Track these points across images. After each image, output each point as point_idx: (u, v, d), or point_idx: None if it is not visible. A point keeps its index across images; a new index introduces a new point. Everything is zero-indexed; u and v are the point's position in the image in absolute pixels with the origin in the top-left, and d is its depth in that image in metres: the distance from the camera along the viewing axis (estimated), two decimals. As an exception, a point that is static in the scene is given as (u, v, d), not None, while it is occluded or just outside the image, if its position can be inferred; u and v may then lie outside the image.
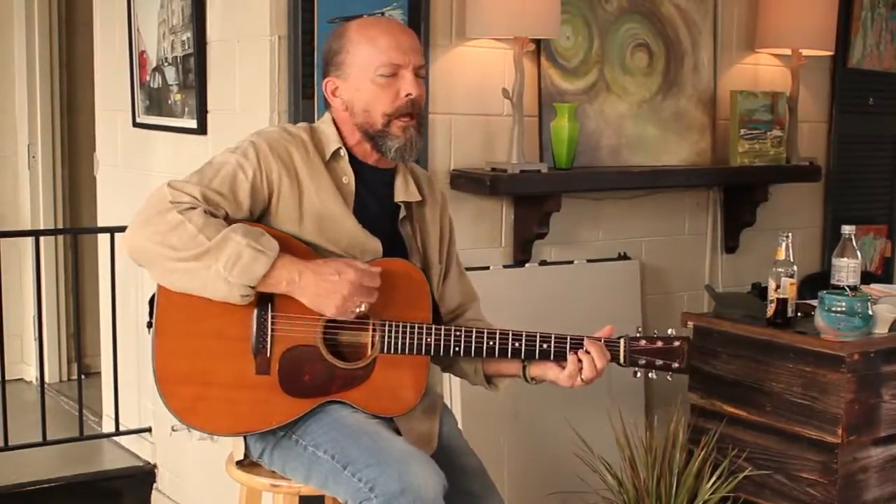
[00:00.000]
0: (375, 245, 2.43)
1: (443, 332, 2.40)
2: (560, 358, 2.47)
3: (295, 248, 2.35)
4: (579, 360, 2.44)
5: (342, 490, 2.28)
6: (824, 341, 3.23)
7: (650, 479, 3.35)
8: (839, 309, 3.20)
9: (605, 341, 2.48)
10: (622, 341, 2.50)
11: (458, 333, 2.41)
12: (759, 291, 3.63)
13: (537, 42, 3.61)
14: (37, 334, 4.23)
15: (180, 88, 3.73)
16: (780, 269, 3.31)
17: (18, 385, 5.37)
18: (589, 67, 3.80)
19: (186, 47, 3.65)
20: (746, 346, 3.43)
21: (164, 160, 3.91)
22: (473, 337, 2.42)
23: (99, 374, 4.55)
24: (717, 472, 3.34)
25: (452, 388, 3.51)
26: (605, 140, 3.84)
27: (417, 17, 3.42)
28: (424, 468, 2.23)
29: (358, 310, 2.30)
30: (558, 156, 3.62)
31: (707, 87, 4.10)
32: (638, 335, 2.52)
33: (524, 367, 2.54)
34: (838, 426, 3.21)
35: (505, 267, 3.69)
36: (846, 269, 3.29)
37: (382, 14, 3.34)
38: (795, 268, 3.33)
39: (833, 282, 3.30)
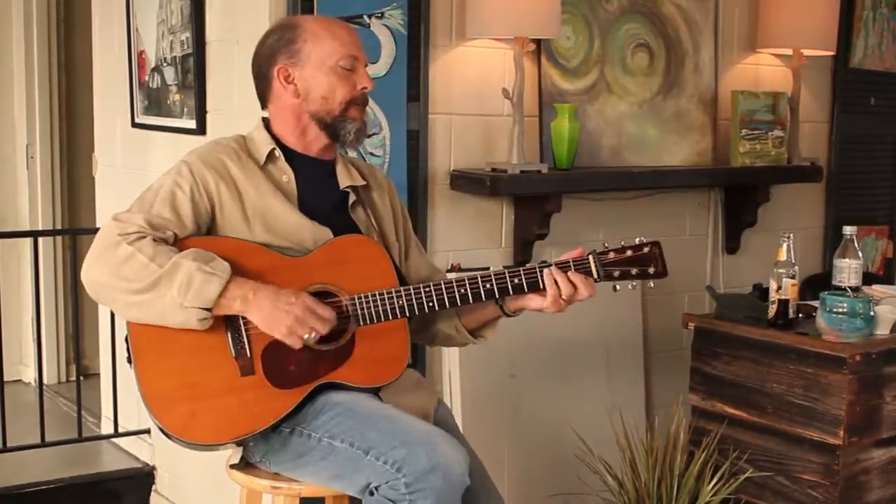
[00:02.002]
0: (325, 234, 2.46)
1: (412, 292, 2.42)
2: (534, 290, 2.48)
3: (251, 253, 2.37)
4: (556, 282, 2.46)
5: (363, 476, 2.29)
6: (826, 342, 3.23)
7: (651, 481, 3.34)
8: (841, 310, 3.19)
9: (573, 262, 2.49)
10: (591, 258, 2.50)
11: (427, 289, 2.42)
12: (761, 292, 3.62)
13: (537, 42, 3.60)
14: (35, 335, 4.21)
15: (179, 88, 3.73)
16: (781, 270, 3.31)
17: (17, 386, 5.37)
18: (589, 67, 3.80)
19: (185, 47, 3.64)
20: (748, 347, 3.42)
21: (163, 161, 3.87)
22: (444, 288, 2.43)
23: (97, 375, 4.55)
24: (718, 474, 3.32)
25: (452, 390, 3.50)
26: (605, 140, 3.83)
27: (417, 16, 3.42)
28: (450, 445, 2.26)
29: (307, 336, 2.31)
30: (559, 156, 3.61)
31: (708, 88, 4.09)
32: (605, 248, 2.52)
33: (500, 306, 2.55)
34: (840, 428, 3.20)
35: (505, 268, 3.66)
36: (848, 270, 3.28)
37: (382, 14, 3.35)
38: (797, 269, 3.33)
39: (834, 283, 3.29)
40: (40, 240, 4.18)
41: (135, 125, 4.07)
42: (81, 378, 4.29)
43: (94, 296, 2.35)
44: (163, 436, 2.36)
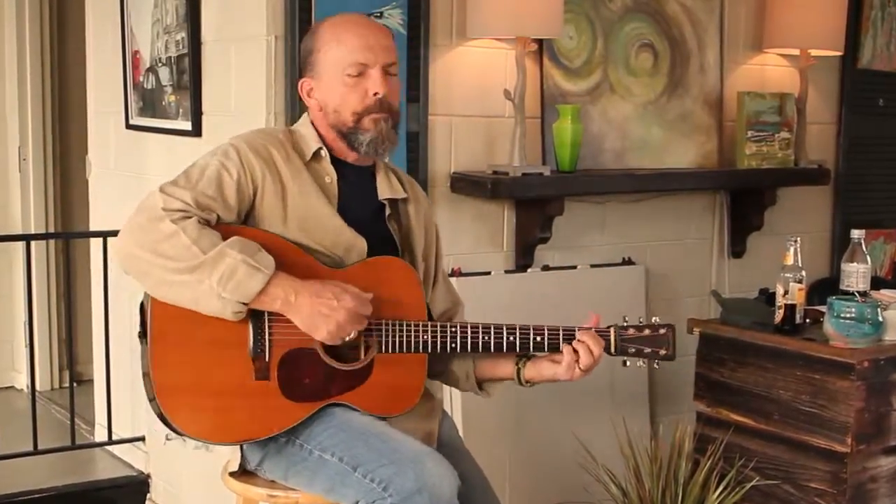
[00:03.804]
0: (361, 244, 2.43)
1: (439, 329, 2.42)
2: (553, 350, 2.50)
3: (291, 255, 2.34)
4: (574, 351, 2.48)
5: (351, 492, 2.27)
6: (833, 348, 3.21)
7: (655, 490, 3.32)
8: (848, 315, 3.17)
9: (595, 330, 2.52)
10: (612, 330, 2.55)
11: (453, 329, 2.43)
12: (767, 297, 3.62)
13: (539, 42, 3.60)
14: (28, 341, 4.25)
15: (174, 89, 3.71)
16: (788, 275, 3.28)
17: (9, 393, 5.40)
18: (592, 68, 3.79)
19: (181, 47, 3.63)
20: (754, 353, 3.40)
21: (158, 163, 3.89)
22: (469, 332, 2.43)
23: (91, 381, 4.54)
24: (724, 482, 3.31)
25: (453, 396, 3.48)
26: (608, 142, 3.83)
27: (417, 16, 3.41)
28: (439, 466, 2.24)
29: (348, 338, 2.31)
30: (561, 158, 3.60)
31: (713, 88, 4.09)
32: (626, 324, 2.57)
33: (518, 371, 2.56)
34: (847, 435, 3.18)
35: (506, 272, 3.67)
36: (856, 275, 3.27)
37: (381, 14, 3.33)
38: (804, 273, 3.31)
39: (842, 287, 3.29)
40: (33, 243, 4.18)
41: (129, 127, 4.06)
42: (75, 384, 4.27)
43: (124, 266, 2.31)
44: (160, 421, 2.34)
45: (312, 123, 2.50)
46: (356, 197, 2.48)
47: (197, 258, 2.20)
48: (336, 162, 2.48)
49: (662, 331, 2.56)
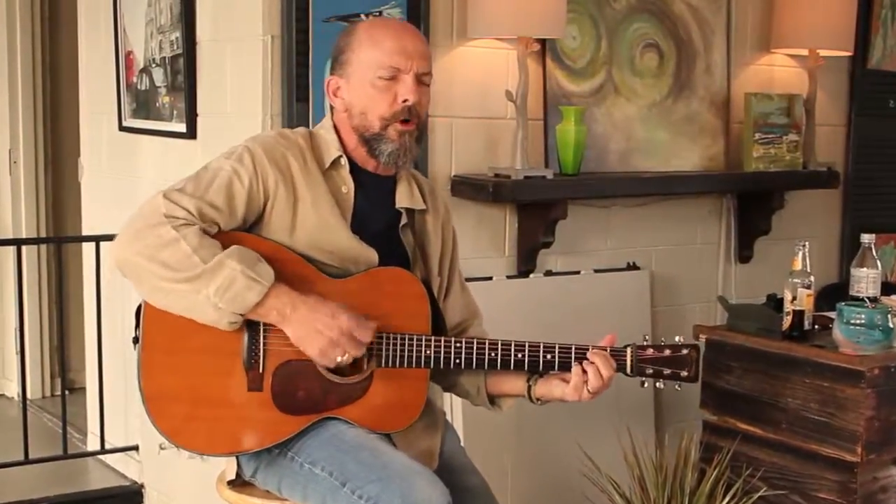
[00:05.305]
0: (371, 256, 2.39)
1: (442, 344, 2.37)
2: (564, 369, 2.44)
3: (291, 263, 2.31)
4: (584, 371, 2.41)
5: None
6: (843, 355, 3.17)
7: (660, 500, 3.30)
8: (858, 321, 3.14)
9: (610, 350, 2.46)
10: (629, 350, 2.47)
11: (458, 345, 2.38)
12: (775, 303, 3.56)
13: (542, 42, 3.59)
14: (19, 348, 4.27)
15: (169, 90, 3.70)
16: (796, 280, 3.25)
17: None
18: (596, 68, 3.79)
19: (175, 47, 3.62)
20: (761, 360, 3.37)
21: (152, 165, 3.89)
22: (475, 348, 2.39)
23: (84, 389, 4.54)
24: (731, 493, 3.28)
25: (454, 404, 3.46)
26: (613, 144, 3.82)
27: (417, 16, 3.39)
28: (428, 484, 2.20)
29: (340, 359, 2.26)
30: (564, 161, 3.59)
31: (720, 89, 4.08)
32: (645, 343, 2.49)
33: (529, 388, 2.51)
34: (857, 444, 3.15)
35: (508, 277, 3.66)
36: (865, 280, 3.24)
37: (380, 13, 3.32)
38: (812, 278, 3.28)
39: (852, 293, 3.25)
40: (24, 248, 4.18)
41: (122, 129, 4.05)
42: (67, 392, 4.28)
43: (120, 270, 2.28)
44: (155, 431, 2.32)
45: (335, 127, 2.45)
46: (372, 207, 2.44)
47: (196, 268, 2.18)
48: (355, 170, 2.43)
49: (685, 351, 2.48)
